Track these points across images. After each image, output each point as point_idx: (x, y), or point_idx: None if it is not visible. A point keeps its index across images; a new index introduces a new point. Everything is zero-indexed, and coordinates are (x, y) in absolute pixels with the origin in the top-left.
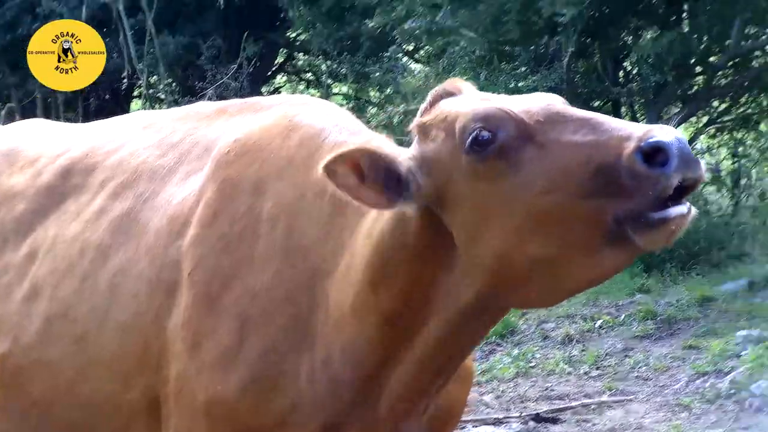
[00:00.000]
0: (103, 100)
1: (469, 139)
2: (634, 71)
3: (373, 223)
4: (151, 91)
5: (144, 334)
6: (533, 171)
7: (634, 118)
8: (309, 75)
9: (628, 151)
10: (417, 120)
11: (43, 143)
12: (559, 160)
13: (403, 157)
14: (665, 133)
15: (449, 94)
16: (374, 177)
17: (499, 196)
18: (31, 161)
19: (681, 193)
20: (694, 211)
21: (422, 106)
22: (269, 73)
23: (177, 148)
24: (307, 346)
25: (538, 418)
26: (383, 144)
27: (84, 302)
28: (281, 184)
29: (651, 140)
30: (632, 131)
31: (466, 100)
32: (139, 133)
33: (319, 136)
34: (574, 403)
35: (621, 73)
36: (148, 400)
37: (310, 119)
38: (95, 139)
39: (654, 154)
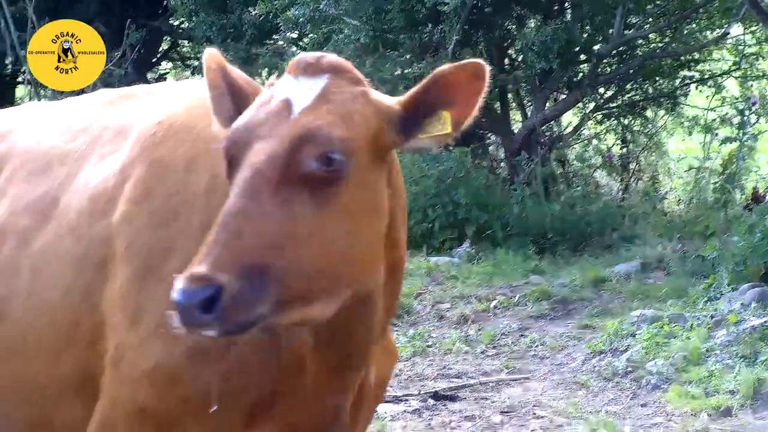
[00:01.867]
0: None
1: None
2: (519, 58)
3: None
4: (34, 77)
5: (72, 311)
6: None
7: (521, 104)
8: (194, 62)
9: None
10: (271, 79)
11: None
12: None
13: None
14: (181, 288)
15: (291, 69)
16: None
17: None
18: None
19: None
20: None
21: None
22: (154, 60)
23: (86, 133)
24: None
25: (437, 395)
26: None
27: (5, 286)
28: (214, 160)
29: (174, 289)
30: (194, 261)
31: (266, 105)
32: (41, 120)
33: None
34: (472, 381)
35: (506, 61)
36: (80, 375)
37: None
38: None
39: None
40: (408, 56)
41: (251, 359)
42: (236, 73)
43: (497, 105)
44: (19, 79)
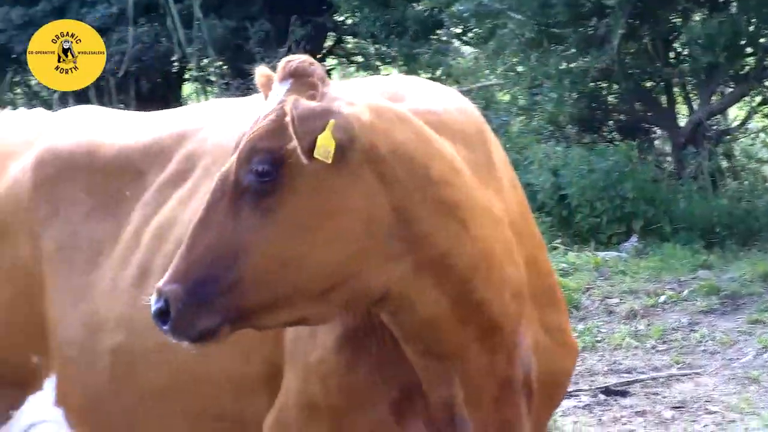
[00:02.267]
0: (154, 84)
1: None
2: (685, 52)
3: None
4: (202, 74)
5: None
6: None
7: (687, 98)
8: (358, 58)
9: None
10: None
11: (125, 134)
12: None
13: None
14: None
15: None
16: None
17: None
18: (116, 154)
19: None
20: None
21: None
22: (319, 56)
23: None
24: None
25: (607, 391)
26: None
27: None
28: None
29: (154, 307)
30: (164, 279)
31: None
32: (229, 118)
33: None
34: (642, 376)
35: (672, 54)
36: (269, 372)
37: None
38: (185, 128)
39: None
40: (573, 51)
41: (388, 351)
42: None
43: (663, 98)
44: (186, 76)
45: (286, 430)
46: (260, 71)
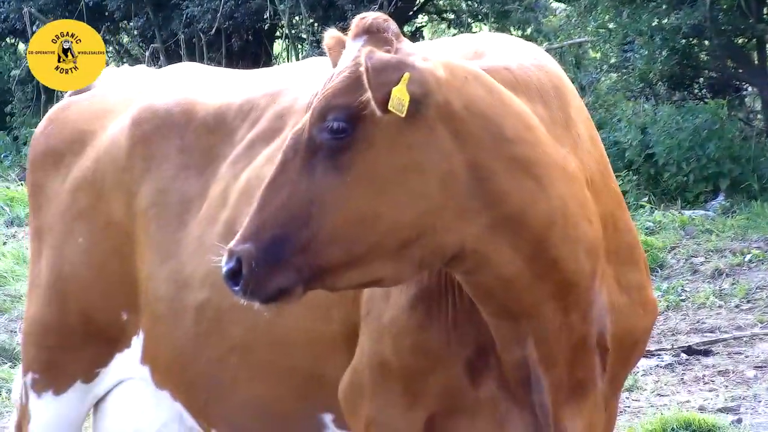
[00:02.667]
0: (245, 41)
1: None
2: None
3: None
4: (293, 31)
5: None
6: None
7: None
8: (450, 15)
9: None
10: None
11: (220, 94)
12: None
13: None
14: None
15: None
16: None
17: None
18: (212, 113)
19: None
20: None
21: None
22: (410, 13)
23: None
24: None
25: (690, 350)
26: None
27: None
28: None
29: (225, 268)
30: (236, 240)
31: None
32: (321, 77)
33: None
34: (725, 336)
35: (765, 10)
36: (347, 331)
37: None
38: (279, 86)
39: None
40: (665, 7)
41: (464, 310)
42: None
43: (755, 56)
44: (277, 33)
45: (360, 391)
46: (329, 33)
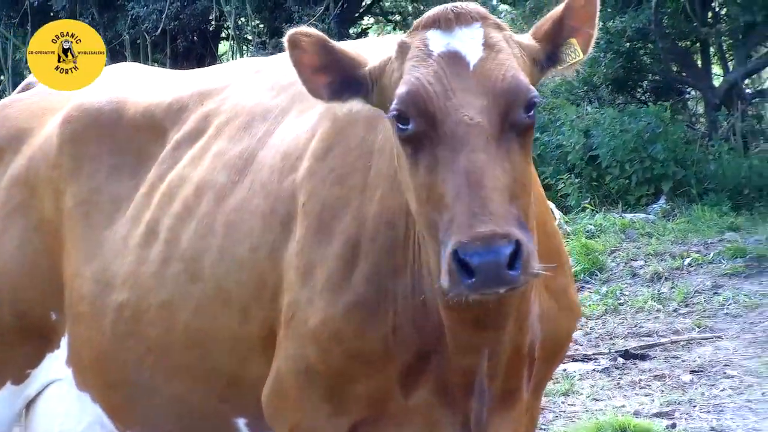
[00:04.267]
0: (191, 42)
1: (390, 113)
2: (723, 12)
3: None
4: (238, 33)
5: (260, 267)
6: (422, 173)
7: (722, 58)
8: (396, 17)
9: (451, 247)
10: (403, 37)
11: (150, 93)
12: (437, 185)
13: (372, 62)
14: (485, 250)
15: (439, 22)
16: (326, 68)
17: (404, 168)
18: (141, 112)
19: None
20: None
21: (417, 21)
22: (356, 15)
23: (289, 89)
24: (403, 267)
25: (626, 354)
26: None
27: (200, 242)
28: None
29: (466, 253)
30: (471, 223)
31: (429, 60)
32: (250, 77)
33: None
34: (663, 340)
35: (709, 14)
36: (265, 333)
37: None
38: (208, 87)
39: (466, 264)
40: (609, 10)
41: (408, 317)
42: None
43: (699, 59)
44: (223, 35)
45: (284, 396)
46: (303, 32)
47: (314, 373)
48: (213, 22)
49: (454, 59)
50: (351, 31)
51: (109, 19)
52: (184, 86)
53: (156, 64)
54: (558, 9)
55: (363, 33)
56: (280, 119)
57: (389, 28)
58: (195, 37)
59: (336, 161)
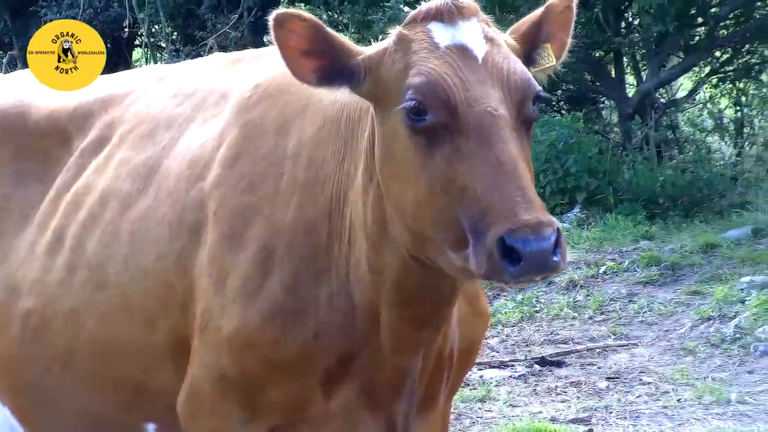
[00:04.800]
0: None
1: (406, 105)
2: (636, 22)
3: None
4: (152, 40)
5: (167, 276)
6: (439, 165)
7: (636, 68)
8: None
9: (495, 234)
10: (401, 29)
11: (55, 97)
12: (460, 176)
13: (364, 52)
14: (535, 237)
15: (441, 15)
16: (317, 53)
17: (410, 161)
18: (45, 116)
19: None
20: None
21: (414, 13)
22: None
23: (193, 97)
24: (326, 272)
25: (543, 361)
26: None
27: (105, 251)
28: (303, 122)
29: (516, 239)
30: (516, 211)
31: (438, 52)
32: (154, 85)
33: None
34: (578, 347)
35: (623, 24)
36: (174, 341)
37: None
38: (111, 93)
39: (511, 251)
40: None
41: (331, 323)
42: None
43: (613, 69)
44: (137, 42)
45: (199, 404)
46: (298, 14)
47: (229, 381)
48: (127, 29)
49: (462, 52)
50: (265, 39)
51: (22, 25)
52: (88, 92)
53: None
54: (537, 12)
55: None
56: (184, 127)
57: None
58: (109, 44)
59: (246, 168)
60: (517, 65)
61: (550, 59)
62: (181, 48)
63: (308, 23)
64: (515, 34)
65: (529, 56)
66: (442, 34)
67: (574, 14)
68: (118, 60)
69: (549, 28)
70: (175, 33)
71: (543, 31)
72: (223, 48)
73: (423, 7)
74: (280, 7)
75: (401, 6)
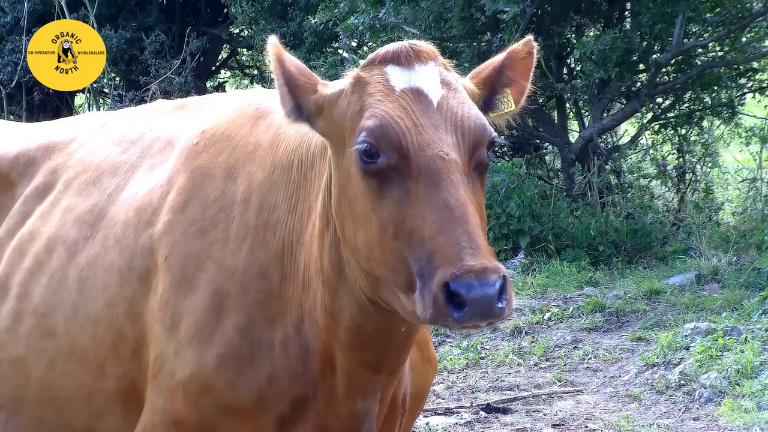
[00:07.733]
0: (46, 94)
1: (358, 147)
2: (578, 68)
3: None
4: (95, 85)
5: (117, 323)
6: (389, 207)
7: (578, 114)
8: (253, 70)
9: (440, 279)
10: (358, 71)
11: None
12: (408, 219)
13: (323, 90)
14: (479, 283)
15: (399, 58)
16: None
17: (362, 202)
18: None
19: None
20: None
21: (372, 56)
22: (213, 68)
23: (137, 144)
24: (280, 316)
25: (488, 408)
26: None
27: (53, 298)
28: (252, 167)
29: (460, 285)
30: (462, 256)
31: (393, 95)
32: (97, 132)
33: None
34: (524, 394)
35: (564, 70)
36: (124, 388)
37: (275, 104)
38: (54, 140)
39: (455, 296)
40: (467, 65)
41: (285, 366)
42: (291, 62)
43: (555, 115)
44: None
45: None
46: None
47: (183, 426)
48: None
49: (417, 95)
50: (208, 84)
51: None
52: (30, 138)
53: (12, 117)
54: (499, 57)
55: (220, 86)
56: (130, 174)
57: (246, 81)
58: (51, 90)
59: (196, 214)
60: (473, 110)
61: (510, 104)
62: (125, 93)
63: (273, 54)
64: (476, 78)
65: (488, 101)
66: (398, 77)
67: (534, 62)
68: (60, 105)
69: (510, 74)
70: (118, 78)
71: (504, 76)
72: (167, 93)
73: (381, 50)
74: (221, 53)
75: (343, 52)
